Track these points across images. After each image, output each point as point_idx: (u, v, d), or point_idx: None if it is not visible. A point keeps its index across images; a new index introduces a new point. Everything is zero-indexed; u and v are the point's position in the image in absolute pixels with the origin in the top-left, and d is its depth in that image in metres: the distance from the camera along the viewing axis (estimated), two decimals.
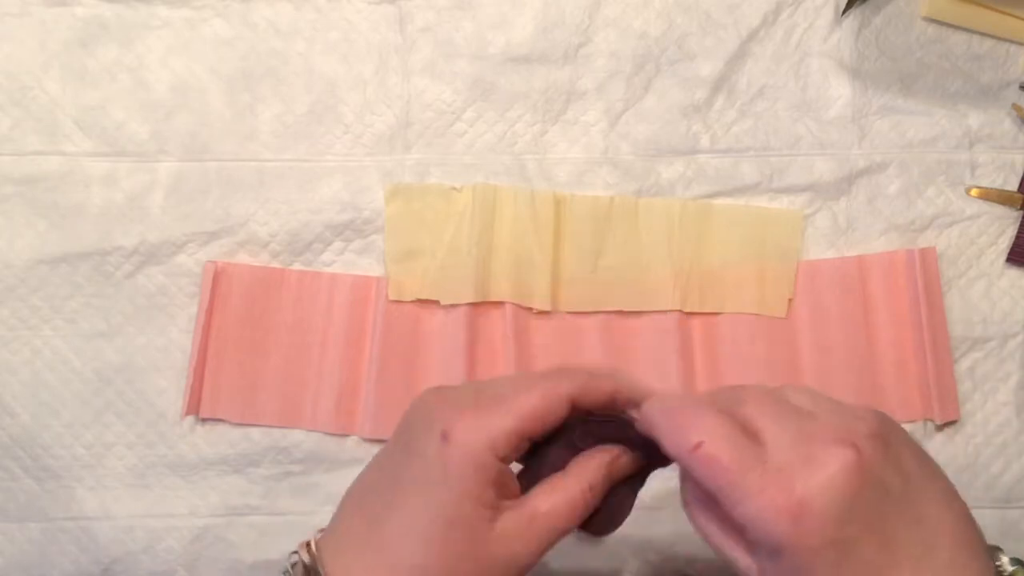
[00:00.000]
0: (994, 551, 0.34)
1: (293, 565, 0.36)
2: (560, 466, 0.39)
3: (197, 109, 0.57)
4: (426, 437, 0.36)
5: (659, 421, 0.36)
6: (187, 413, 0.56)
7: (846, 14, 0.58)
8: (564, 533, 0.38)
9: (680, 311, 0.56)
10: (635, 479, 0.40)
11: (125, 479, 0.56)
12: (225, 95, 0.57)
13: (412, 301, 0.56)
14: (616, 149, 0.58)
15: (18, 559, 0.56)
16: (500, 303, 0.56)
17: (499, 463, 0.36)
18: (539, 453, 0.39)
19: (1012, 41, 0.59)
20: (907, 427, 0.56)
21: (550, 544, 0.37)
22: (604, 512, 0.39)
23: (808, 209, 0.58)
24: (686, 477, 0.37)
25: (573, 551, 0.56)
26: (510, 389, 0.38)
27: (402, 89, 0.58)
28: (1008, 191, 0.58)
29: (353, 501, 0.39)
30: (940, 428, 0.57)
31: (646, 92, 0.58)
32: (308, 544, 0.37)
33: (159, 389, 0.56)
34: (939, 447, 0.57)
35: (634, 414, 0.38)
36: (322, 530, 0.39)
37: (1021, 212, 0.58)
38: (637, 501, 0.57)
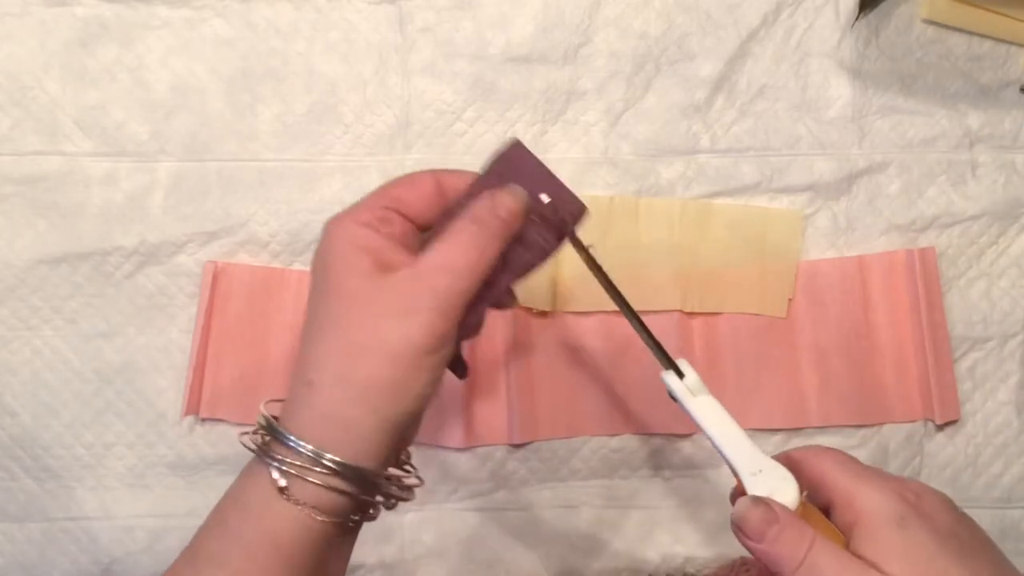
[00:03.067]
0: None
1: (254, 431, 0.36)
2: (476, 329, 0.39)
3: (197, 109, 0.57)
4: (315, 254, 0.38)
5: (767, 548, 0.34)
6: (187, 413, 0.56)
7: (858, 20, 0.58)
8: (460, 275, 0.36)
9: (680, 311, 0.56)
10: (508, 272, 0.39)
11: (125, 479, 0.56)
12: (225, 95, 0.57)
13: None
14: (616, 149, 0.58)
15: (18, 559, 0.56)
16: None
17: (363, 228, 0.36)
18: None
19: (1012, 42, 0.59)
20: (907, 427, 0.56)
21: (450, 290, 0.35)
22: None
23: (808, 209, 0.58)
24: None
25: (574, 550, 0.56)
26: None
27: (402, 89, 0.58)
28: None
29: None
30: (940, 428, 0.57)
31: (646, 92, 0.58)
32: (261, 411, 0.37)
33: (159, 389, 0.56)
34: (939, 447, 0.57)
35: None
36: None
37: None
38: (637, 501, 0.58)
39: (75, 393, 0.56)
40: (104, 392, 0.56)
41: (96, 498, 0.56)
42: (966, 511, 0.55)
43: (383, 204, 0.37)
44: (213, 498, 0.56)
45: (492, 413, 0.56)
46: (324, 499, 0.35)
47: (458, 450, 0.56)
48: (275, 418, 0.36)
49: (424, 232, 0.39)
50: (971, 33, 0.59)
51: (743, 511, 0.34)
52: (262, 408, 0.37)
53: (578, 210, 0.39)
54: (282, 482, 0.34)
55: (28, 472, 0.56)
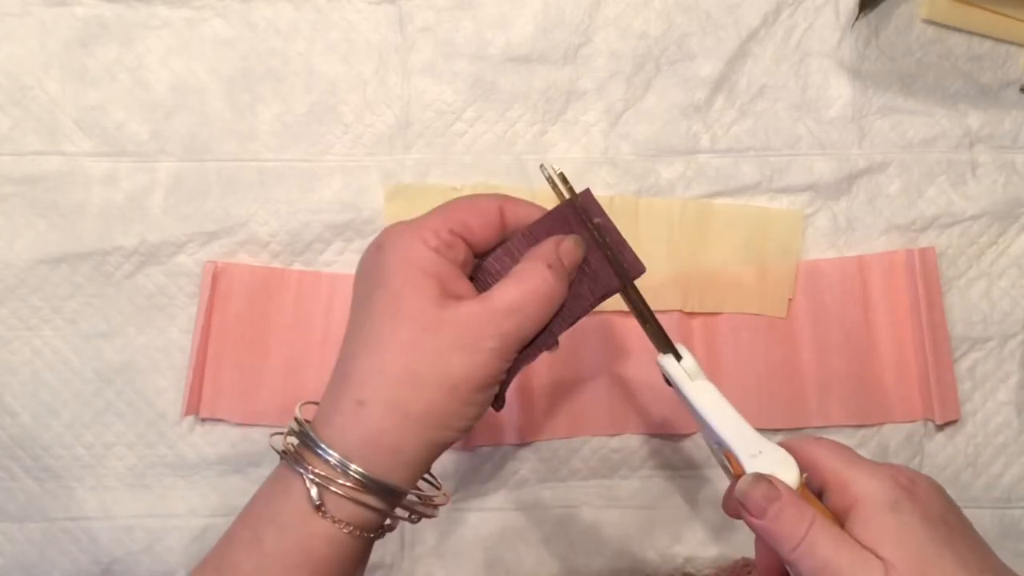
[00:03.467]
0: None
1: (287, 433, 0.36)
2: None
3: (197, 109, 0.57)
4: (367, 262, 0.37)
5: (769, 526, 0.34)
6: (187, 413, 0.56)
7: (858, 20, 0.58)
8: (529, 320, 0.36)
9: (680, 311, 0.56)
10: (561, 319, 0.39)
11: (125, 479, 0.56)
12: (225, 95, 0.57)
13: None
14: (616, 149, 0.58)
15: (18, 559, 0.56)
16: None
17: (429, 251, 0.36)
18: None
19: (1012, 42, 0.59)
20: (907, 427, 0.56)
21: (515, 332, 0.36)
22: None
23: (808, 209, 0.58)
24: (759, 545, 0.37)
25: (574, 550, 0.56)
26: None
27: (402, 89, 0.58)
28: None
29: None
30: (940, 428, 0.57)
31: (646, 92, 0.58)
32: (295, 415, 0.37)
33: (159, 389, 0.56)
34: (939, 447, 0.57)
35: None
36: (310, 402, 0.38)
37: None
38: (637, 501, 0.58)
39: (75, 393, 0.56)
40: (104, 392, 0.56)
41: (96, 498, 0.56)
42: (966, 511, 0.55)
43: (450, 228, 0.37)
44: (213, 498, 0.57)
45: (492, 413, 0.56)
46: (357, 515, 0.35)
47: (458, 450, 0.56)
48: (308, 421, 0.36)
49: (478, 258, 0.39)
50: (971, 33, 0.59)
51: (746, 487, 0.34)
52: (297, 412, 0.37)
53: (636, 271, 0.39)
54: (317, 499, 0.34)
55: (28, 472, 0.56)
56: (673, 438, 0.57)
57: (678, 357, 0.39)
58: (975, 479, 0.57)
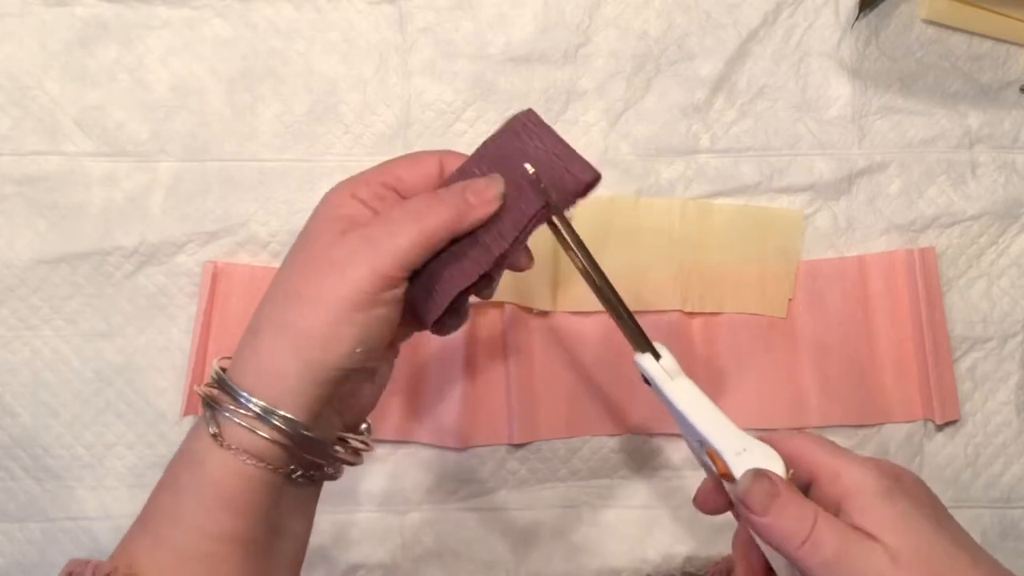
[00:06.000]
0: None
1: (208, 385, 0.37)
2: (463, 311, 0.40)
3: (197, 109, 0.57)
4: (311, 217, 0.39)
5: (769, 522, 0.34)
6: (187, 413, 0.56)
7: (858, 20, 0.58)
8: (403, 232, 0.36)
9: (680, 311, 0.56)
10: (480, 254, 0.38)
11: (125, 479, 0.56)
12: (225, 95, 0.57)
13: None
14: (616, 149, 0.58)
15: (18, 559, 0.56)
16: (500, 303, 0.56)
17: (354, 200, 0.37)
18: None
19: (1012, 42, 0.59)
20: (907, 427, 0.56)
21: (388, 247, 0.36)
22: (434, 272, 0.38)
23: (808, 209, 0.58)
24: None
25: (574, 550, 0.56)
26: None
27: (402, 89, 0.58)
28: None
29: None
30: (940, 428, 0.57)
31: (646, 92, 0.58)
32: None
33: (159, 389, 0.56)
34: (939, 447, 0.57)
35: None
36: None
37: None
38: (637, 501, 0.58)
39: (75, 393, 0.56)
40: (104, 392, 0.56)
41: (96, 498, 0.56)
42: (966, 511, 0.55)
43: (382, 180, 0.38)
44: None
45: (492, 413, 0.56)
46: (254, 445, 0.35)
47: (458, 450, 0.56)
48: (223, 370, 0.37)
49: None
50: (971, 33, 0.59)
51: (746, 485, 0.34)
52: (215, 363, 0.37)
53: (590, 177, 0.38)
54: (212, 429, 0.35)
55: (28, 472, 0.56)
56: (673, 438, 0.57)
57: (656, 356, 0.38)
58: (975, 479, 0.57)
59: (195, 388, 0.38)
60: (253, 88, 0.58)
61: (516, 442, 0.56)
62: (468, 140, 0.58)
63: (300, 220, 0.56)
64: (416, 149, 0.57)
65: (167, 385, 0.56)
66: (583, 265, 0.39)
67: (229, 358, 0.38)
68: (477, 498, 0.57)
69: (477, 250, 0.38)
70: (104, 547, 0.56)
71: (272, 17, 0.58)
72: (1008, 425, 0.57)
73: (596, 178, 0.39)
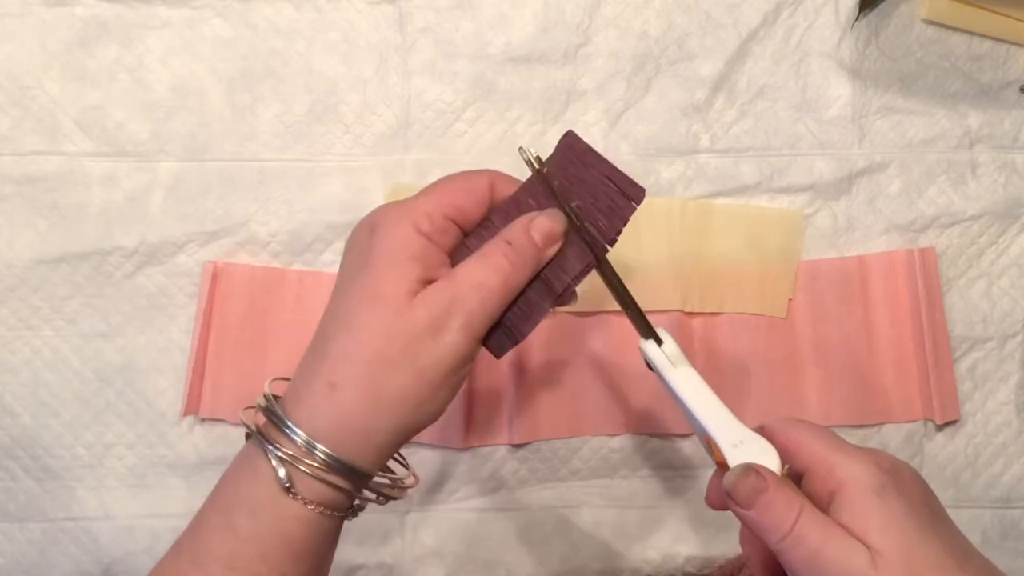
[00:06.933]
0: None
1: (256, 409, 0.36)
2: None
3: (197, 109, 0.57)
4: (356, 242, 0.37)
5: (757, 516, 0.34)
6: (187, 413, 0.56)
7: (858, 20, 0.58)
8: (492, 295, 0.36)
9: (680, 311, 0.56)
10: (548, 287, 0.38)
11: (125, 479, 0.56)
12: (225, 95, 0.57)
13: None
14: (616, 149, 0.58)
15: (18, 559, 0.56)
16: None
17: (420, 237, 0.36)
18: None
19: (1012, 42, 0.59)
20: (907, 427, 0.56)
21: (480, 310, 0.36)
22: (511, 315, 0.38)
23: (808, 209, 0.58)
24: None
25: (574, 550, 0.56)
26: (436, 183, 0.38)
27: (402, 89, 0.58)
28: None
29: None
30: (940, 428, 0.57)
31: (646, 92, 0.58)
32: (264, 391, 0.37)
33: (159, 389, 0.56)
34: (939, 447, 0.57)
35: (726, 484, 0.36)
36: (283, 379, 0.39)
37: None
38: (637, 501, 0.58)
39: (75, 393, 0.56)
40: (104, 392, 0.56)
41: (96, 498, 0.56)
42: (966, 511, 0.55)
43: (444, 213, 0.37)
44: None
45: (492, 413, 0.56)
46: (326, 495, 0.35)
47: (458, 450, 0.56)
48: (276, 397, 0.36)
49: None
50: (971, 33, 0.59)
51: (733, 479, 0.34)
52: (267, 388, 0.37)
53: (609, 238, 0.39)
54: (285, 480, 0.34)
55: (28, 472, 0.56)
56: (673, 438, 0.57)
57: (659, 342, 0.38)
58: (975, 479, 0.57)
59: (244, 414, 0.37)
60: (253, 88, 0.58)
61: (516, 442, 0.56)
62: (468, 140, 0.58)
63: (300, 220, 0.57)
64: (416, 149, 0.57)
65: (167, 385, 0.56)
66: (618, 293, 0.40)
67: (282, 379, 0.37)
68: (477, 498, 0.57)
69: (542, 288, 0.38)
70: (104, 547, 0.56)
71: (272, 17, 0.58)
72: (1008, 425, 0.57)
73: (643, 195, 0.39)
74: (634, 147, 0.58)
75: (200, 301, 0.56)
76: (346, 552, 0.56)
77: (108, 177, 0.57)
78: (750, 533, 0.36)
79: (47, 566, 0.56)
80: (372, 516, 0.56)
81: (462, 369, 0.36)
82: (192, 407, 0.55)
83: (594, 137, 0.58)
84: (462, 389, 0.55)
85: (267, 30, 0.58)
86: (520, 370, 0.56)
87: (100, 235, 0.57)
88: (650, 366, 0.39)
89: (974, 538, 0.56)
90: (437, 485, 0.56)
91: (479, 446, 0.56)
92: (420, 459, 0.56)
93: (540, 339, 0.56)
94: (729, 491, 0.34)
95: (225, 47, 0.58)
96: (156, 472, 0.56)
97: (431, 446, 0.56)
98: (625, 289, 0.39)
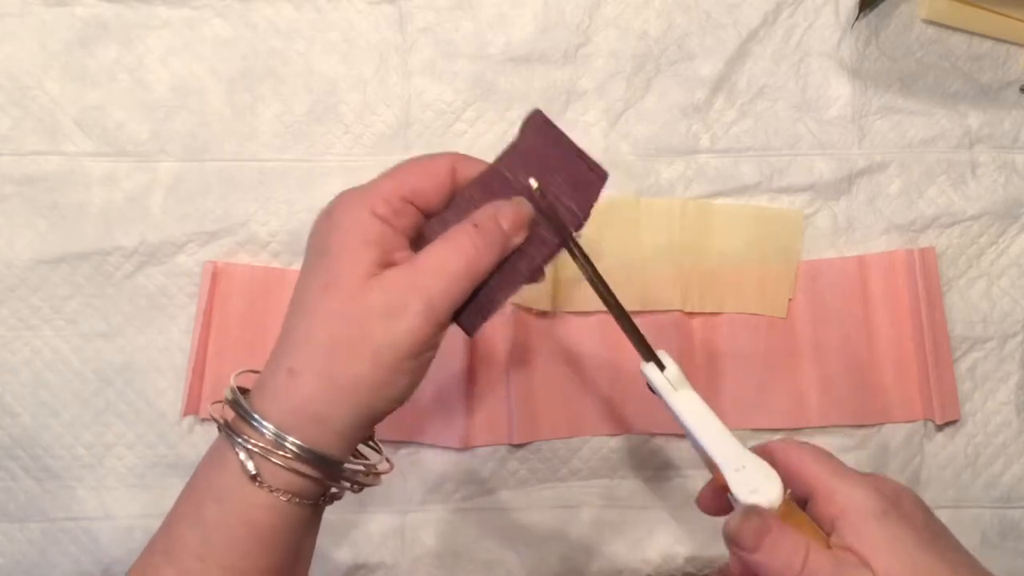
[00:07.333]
0: None
1: (223, 403, 0.36)
2: None
3: (197, 109, 0.57)
4: (316, 229, 0.37)
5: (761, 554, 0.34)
6: (187, 413, 0.56)
7: (858, 20, 0.58)
8: (455, 280, 0.35)
9: (680, 311, 0.56)
10: (515, 270, 0.38)
11: (125, 479, 0.56)
12: (225, 95, 0.57)
13: None
14: (616, 149, 0.58)
15: (18, 559, 0.56)
16: None
17: (376, 220, 0.36)
18: None
19: (1012, 42, 0.59)
20: (907, 427, 0.56)
21: (442, 294, 0.35)
22: (481, 296, 0.38)
23: (808, 209, 0.58)
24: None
25: (574, 550, 0.56)
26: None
27: (402, 89, 0.58)
28: None
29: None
30: (940, 428, 0.57)
31: (646, 92, 0.58)
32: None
33: (159, 389, 0.56)
34: (939, 447, 0.57)
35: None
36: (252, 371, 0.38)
37: None
38: (637, 501, 0.57)
39: (75, 393, 0.56)
40: (104, 392, 0.56)
41: (96, 498, 0.56)
42: (966, 511, 0.55)
43: (402, 195, 0.37)
44: None
45: (492, 413, 0.56)
46: (294, 484, 0.35)
47: (458, 450, 0.56)
48: (243, 391, 0.36)
49: (429, 219, 0.39)
50: (971, 33, 0.59)
51: (736, 523, 0.34)
52: (232, 381, 0.37)
53: (604, 178, 0.39)
54: (252, 470, 0.34)
55: (28, 472, 0.56)
56: (673, 438, 0.57)
57: (661, 367, 0.38)
58: (975, 479, 0.57)
59: (212, 408, 0.37)
60: (253, 88, 0.58)
61: (516, 442, 0.56)
62: (468, 140, 0.58)
63: (300, 220, 0.57)
64: (416, 149, 0.57)
65: (167, 385, 0.56)
66: (590, 274, 0.39)
67: (251, 371, 0.37)
68: (477, 498, 0.57)
69: (510, 272, 0.38)
70: (104, 547, 0.56)
71: (272, 17, 0.58)
72: (1008, 425, 0.57)
73: (607, 175, 0.39)
74: (634, 147, 0.58)
75: (200, 301, 0.56)
76: (346, 552, 0.56)
77: (108, 177, 0.57)
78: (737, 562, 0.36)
79: (47, 566, 0.56)
80: (371, 516, 0.56)
81: (422, 354, 0.35)
82: (192, 407, 0.55)
83: (594, 137, 0.58)
84: (461, 390, 0.55)
85: (267, 30, 0.58)
86: (520, 370, 0.56)
87: (100, 235, 0.57)
88: (652, 389, 0.39)
89: (974, 538, 0.56)
90: (437, 485, 0.56)
91: (479, 446, 0.56)
92: (420, 459, 0.56)
93: (541, 339, 0.56)
94: (733, 536, 0.34)
95: (225, 47, 0.58)
96: (156, 472, 0.56)
97: (431, 446, 0.56)
98: (623, 311, 0.39)
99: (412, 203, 0.37)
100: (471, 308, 0.38)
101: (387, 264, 0.36)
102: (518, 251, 0.38)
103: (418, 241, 0.38)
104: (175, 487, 0.55)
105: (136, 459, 0.56)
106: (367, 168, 0.57)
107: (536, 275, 0.39)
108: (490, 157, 0.57)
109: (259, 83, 0.58)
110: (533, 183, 0.38)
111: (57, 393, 0.56)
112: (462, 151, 0.57)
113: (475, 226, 0.36)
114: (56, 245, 0.56)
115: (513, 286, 0.38)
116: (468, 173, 0.39)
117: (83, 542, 0.56)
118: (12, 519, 0.56)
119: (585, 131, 0.58)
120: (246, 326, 0.56)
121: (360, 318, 0.35)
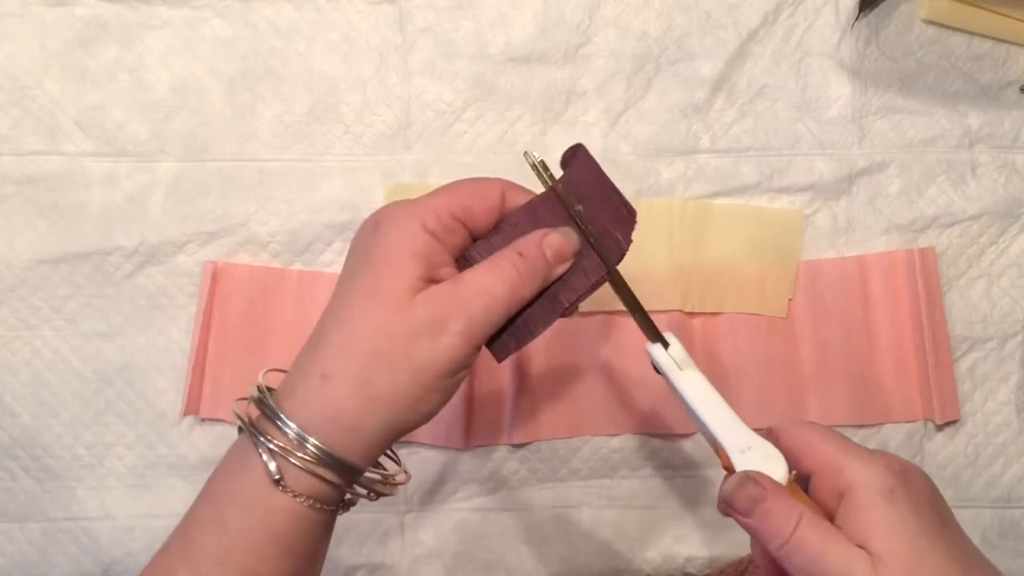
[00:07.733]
0: None
1: (249, 401, 0.36)
2: None
3: (197, 109, 0.57)
4: (361, 237, 0.37)
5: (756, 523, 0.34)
6: (187, 413, 0.56)
7: (858, 20, 0.58)
8: (497, 304, 0.36)
9: (681, 311, 0.56)
10: (555, 301, 0.38)
11: (125, 479, 0.56)
12: (225, 95, 0.57)
13: None
14: (616, 149, 0.58)
15: (18, 559, 0.56)
16: None
17: (426, 234, 0.36)
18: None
19: (1012, 42, 0.59)
20: (907, 427, 0.56)
21: (483, 317, 0.35)
22: (517, 323, 0.38)
23: (808, 209, 0.58)
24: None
25: (574, 550, 0.56)
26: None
27: (402, 89, 0.58)
28: None
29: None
30: (940, 428, 0.57)
31: (646, 92, 0.58)
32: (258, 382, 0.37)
33: (159, 389, 0.56)
34: (939, 447, 0.57)
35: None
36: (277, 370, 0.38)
37: None
38: (637, 501, 0.57)
39: (75, 393, 0.56)
40: (104, 392, 0.56)
41: (96, 498, 0.56)
42: (966, 511, 0.55)
43: (452, 212, 0.37)
44: None
45: (492, 413, 0.56)
46: (315, 489, 0.35)
47: (458, 450, 0.56)
48: (270, 389, 0.36)
49: (475, 242, 0.39)
50: (971, 33, 0.59)
51: (732, 488, 0.34)
52: (260, 379, 0.36)
53: (618, 253, 0.39)
54: (275, 473, 0.34)
55: (28, 472, 0.56)
56: (673, 438, 0.57)
57: (666, 346, 0.38)
58: (975, 479, 0.57)
59: (237, 405, 0.36)
60: (253, 88, 0.58)
61: (516, 442, 0.56)
62: (468, 140, 0.58)
63: (300, 220, 0.57)
64: (416, 149, 0.57)
65: (167, 385, 0.56)
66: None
67: (277, 370, 0.37)
68: (477, 498, 0.57)
69: (548, 302, 0.38)
70: (104, 547, 0.56)
71: (272, 17, 0.58)
72: (1008, 425, 0.57)
73: (635, 215, 0.40)
74: (634, 147, 0.58)
75: (200, 301, 0.56)
76: (346, 552, 0.56)
77: (108, 177, 0.57)
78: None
79: (47, 566, 0.56)
80: (371, 516, 0.56)
81: (457, 373, 0.36)
82: (192, 407, 0.55)
83: (594, 137, 0.58)
84: (461, 390, 0.55)
85: (267, 30, 0.58)
86: (520, 370, 0.56)
87: (100, 235, 0.57)
88: (657, 369, 0.39)
89: (974, 538, 0.56)
90: (437, 485, 0.56)
91: (479, 446, 0.56)
92: (420, 459, 0.56)
93: (541, 339, 0.56)
94: (728, 500, 0.34)
95: (225, 47, 0.58)
96: (156, 472, 0.56)
97: (431, 446, 0.56)
98: (632, 294, 0.39)
99: (461, 222, 0.37)
100: (506, 334, 0.38)
101: (431, 279, 0.36)
102: (560, 280, 0.38)
103: (462, 263, 0.38)
104: (175, 487, 0.56)
105: (136, 459, 0.56)
106: (367, 168, 0.57)
107: (573, 308, 0.39)
108: (490, 156, 0.58)
109: (259, 83, 0.58)
110: (580, 209, 0.39)
111: (57, 393, 0.56)
112: (462, 151, 0.57)
113: (520, 254, 0.37)
114: (56, 245, 0.56)
115: (551, 315, 0.38)
116: (516, 200, 0.39)
117: (83, 542, 0.56)
118: (12, 519, 0.56)
119: (585, 131, 0.58)
120: (246, 326, 0.56)
121: (403, 331, 0.34)
